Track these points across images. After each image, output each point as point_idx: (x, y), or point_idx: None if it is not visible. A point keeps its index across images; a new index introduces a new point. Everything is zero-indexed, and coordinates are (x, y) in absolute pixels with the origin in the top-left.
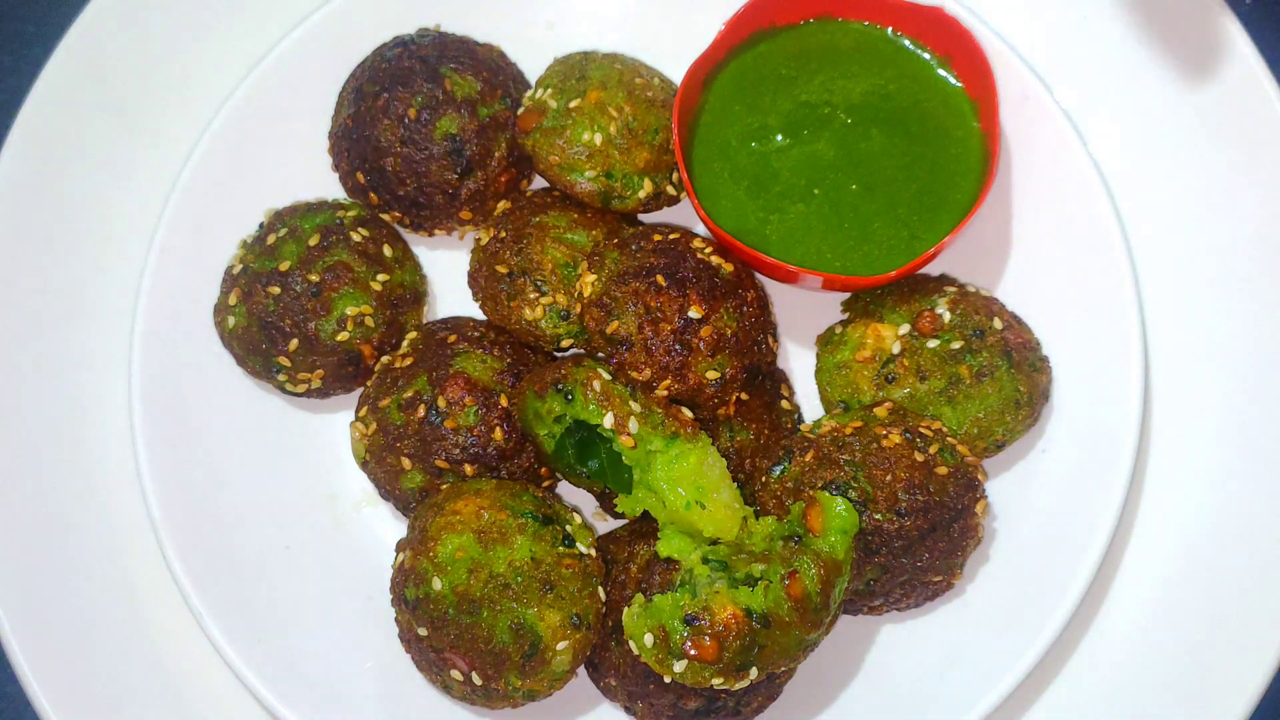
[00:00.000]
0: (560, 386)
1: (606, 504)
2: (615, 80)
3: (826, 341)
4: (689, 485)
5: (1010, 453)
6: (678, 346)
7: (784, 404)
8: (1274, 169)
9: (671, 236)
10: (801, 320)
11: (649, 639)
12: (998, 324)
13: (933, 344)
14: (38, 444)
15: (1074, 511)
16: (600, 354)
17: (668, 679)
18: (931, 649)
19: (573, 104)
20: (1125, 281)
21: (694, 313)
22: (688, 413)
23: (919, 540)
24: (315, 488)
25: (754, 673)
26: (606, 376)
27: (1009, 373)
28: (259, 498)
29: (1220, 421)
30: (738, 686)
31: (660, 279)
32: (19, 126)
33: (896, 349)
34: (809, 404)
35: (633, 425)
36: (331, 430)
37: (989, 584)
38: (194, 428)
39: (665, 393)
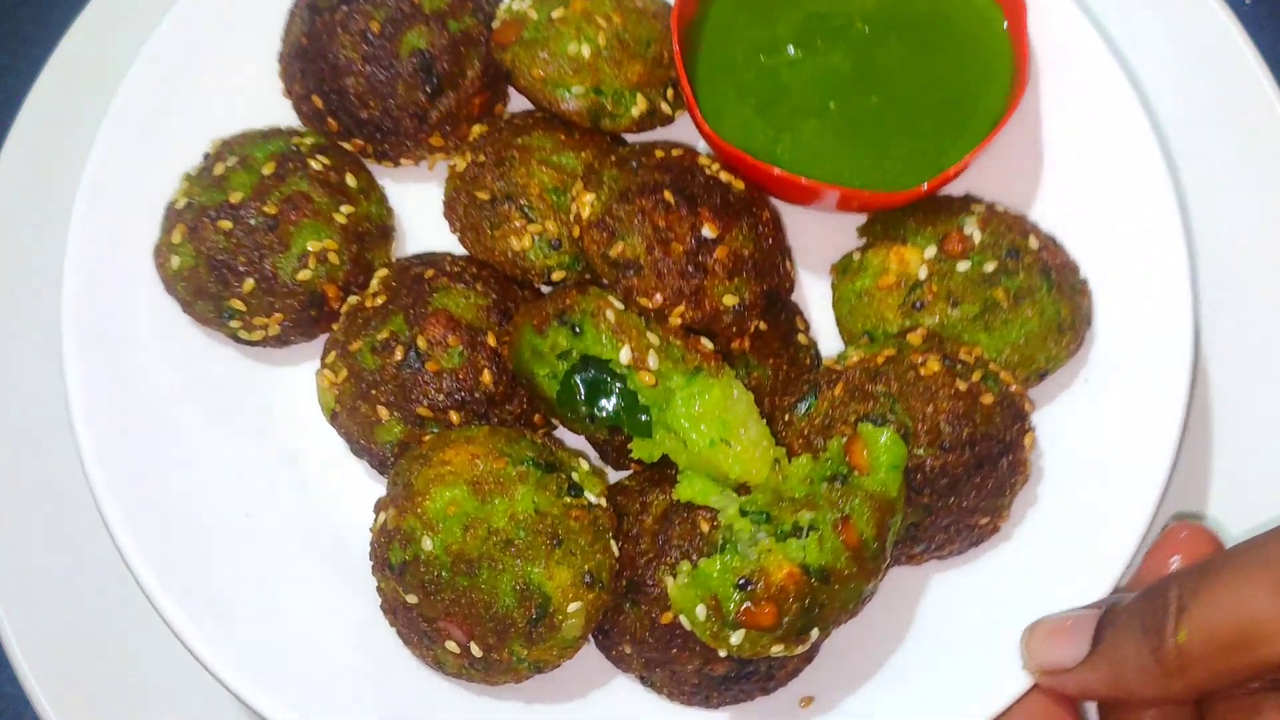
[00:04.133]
0: (566, 318)
1: (610, 454)
2: None
3: (844, 269)
4: (713, 423)
5: (1050, 384)
6: (691, 269)
7: (800, 338)
8: (1274, 169)
9: (675, 152)
10: (811, 248)
11: (701, 611)
12: (1033, 243)
13: (963, 266)
14: (38, 444)
15: (1127, 445)
16: (603, 281)
17: (723, 653)
18: (977, 600)
19: (556, 14)
20: (1166, 197)
21: (708, 232)
22: (708, 343)
23: (965, 477)
24: (276, 446)
25: (815, 634)
26: (620, 305)
27: (1050, 295)
28: (213, 460)
29: None
30: (798, 651)
31: (668, 195)
32: (19, 126)
33: (923, 273)
34: (823, 339)
35: (652, 359)
36: (293, 383)
37: (1038, 527)
38: (136, 385)
39: (679, 321)
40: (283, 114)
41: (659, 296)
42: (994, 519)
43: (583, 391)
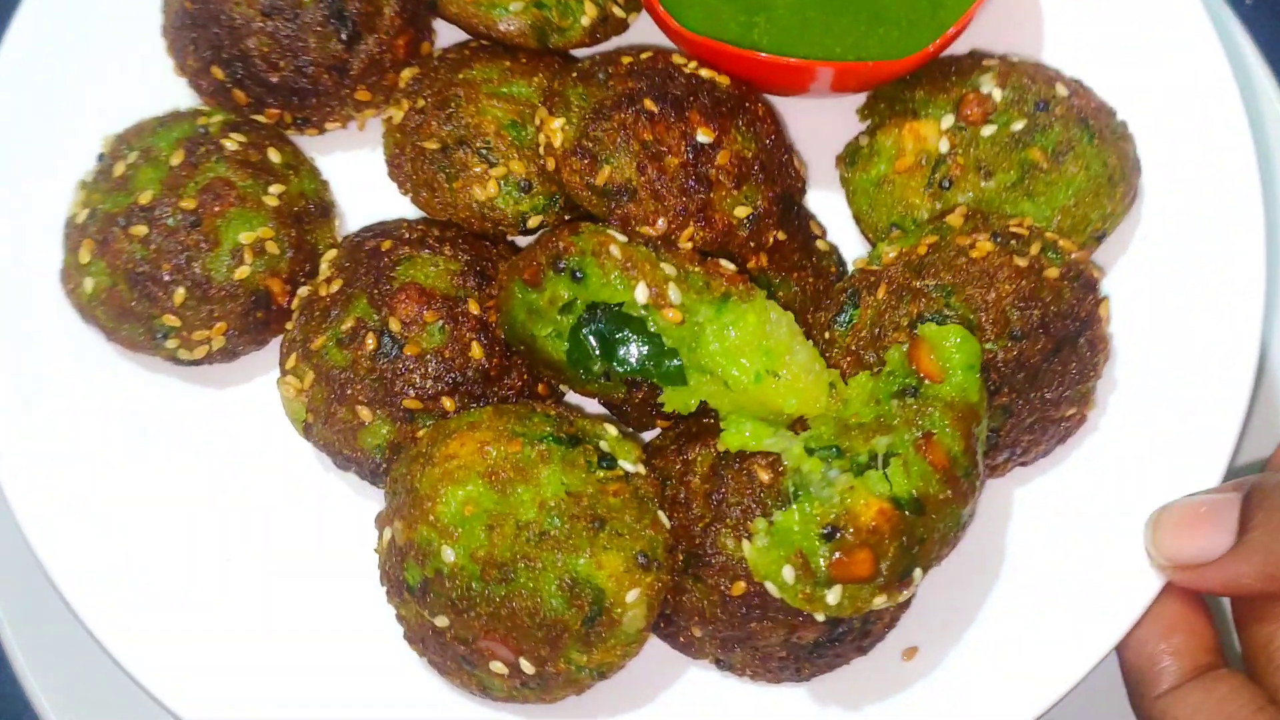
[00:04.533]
0: (563, 264)
1: (631, 414)
2: None
3: (853, 159)
4: (754, 353)
5: (1105, 250)
6: (693, 182)
7: (819, 244)
8: (1274, 169)
9: (644, 56)
10: (809, 142)
11: (789, 573)
12: (1061, 90)
13: (988, 131)
14: None
15: (1208, 303)
16: (593, 216)
17: (820, 616)
18: (1076, 504)
19: None
20: (1197, 13)
21: (703, 136)
22: (728, 264)
23: (1044, 365)
24: (246, 476)
25: (918, 575)
26: (622, 238)
27: (1092, 144)
28: (174, 509)
29: None
30: (903, 598)
31: (649, 104)
32: None
33: (944, 147)
34: (842, 244)
35: (673, 293)
36: (252, 400)
37: (1126, 411)
38: (68, 439)
39: (690, 244)
40: (180, 94)
41: (662, 221)
42: (1080, 408)
43: (596, 345)
